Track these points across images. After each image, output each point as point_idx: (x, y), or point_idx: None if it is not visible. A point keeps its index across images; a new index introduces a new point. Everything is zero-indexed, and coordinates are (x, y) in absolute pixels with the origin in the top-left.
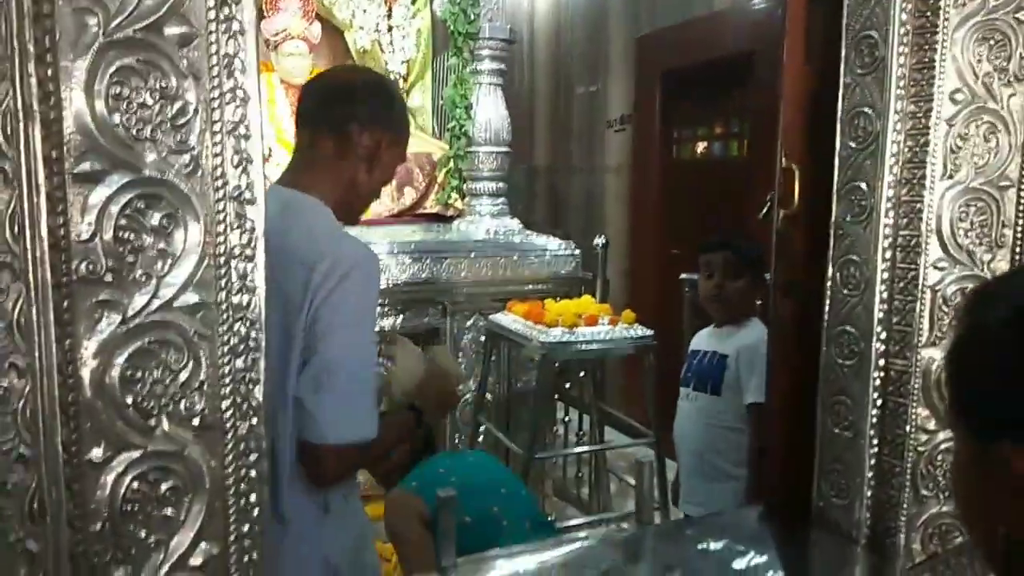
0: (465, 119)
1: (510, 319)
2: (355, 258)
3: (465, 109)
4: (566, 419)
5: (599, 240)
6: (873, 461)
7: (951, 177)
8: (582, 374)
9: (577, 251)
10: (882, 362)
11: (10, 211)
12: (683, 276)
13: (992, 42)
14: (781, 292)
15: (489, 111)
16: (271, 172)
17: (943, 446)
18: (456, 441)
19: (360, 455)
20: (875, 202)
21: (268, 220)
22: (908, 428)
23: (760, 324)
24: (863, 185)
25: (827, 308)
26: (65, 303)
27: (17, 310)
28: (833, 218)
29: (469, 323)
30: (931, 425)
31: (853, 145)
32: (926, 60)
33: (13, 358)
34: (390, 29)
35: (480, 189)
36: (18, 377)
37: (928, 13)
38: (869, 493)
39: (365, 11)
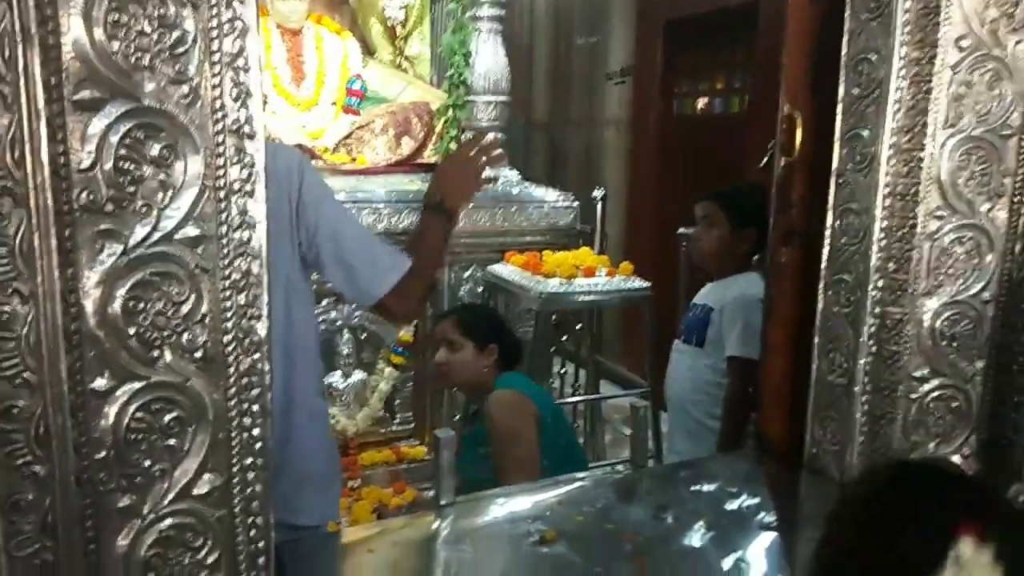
0: (464, 67)
1: (508, 270)
2: (296, 155)
3: (464, 56)
4: (562, 371)
5: (597, 192)
6: (866, 407)
7: (953, 126)
8: (579, 327)
9: (576, 203)
10: (877, 310)
11: (10, 136)
12: (681, 230)
13: None
14: (780, 241)
15: (488, 59)
16: (268, 121)
17: (935, 393)
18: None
19: (415, 280)
20: (876, 150)
21: None
22: (901, 375)
23: (755, 278)
24: (865, 133)
25: (825, 256)
26: (67, 232)
27: (19, 236)
28: (834, 166)
29: (467, 274)
30: (924, 372)
31: (856, 92)
32: (932, 5)
33: (16, 284)
34: None
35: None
36: (22, 303)
37: None
38: (861, 439)
39: None
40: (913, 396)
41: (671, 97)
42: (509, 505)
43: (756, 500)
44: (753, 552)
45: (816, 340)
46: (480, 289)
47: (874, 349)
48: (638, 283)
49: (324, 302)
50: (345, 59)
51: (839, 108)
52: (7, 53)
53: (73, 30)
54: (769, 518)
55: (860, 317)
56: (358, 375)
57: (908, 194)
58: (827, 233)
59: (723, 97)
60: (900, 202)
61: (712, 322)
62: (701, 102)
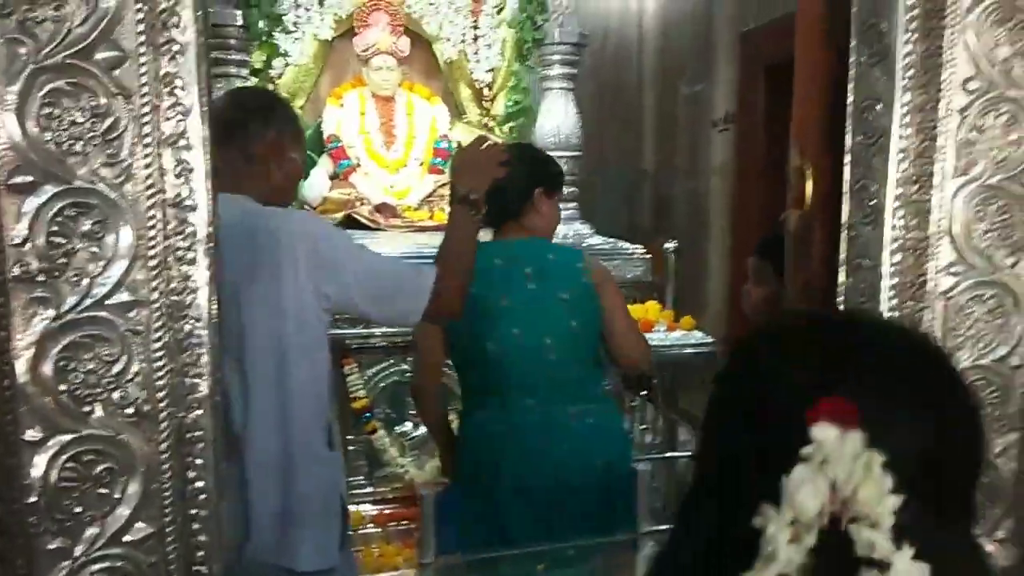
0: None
1: None
2: (302, 216)
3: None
4: (643, 427)
5: (669, 244)
6: None
7: (965, 174)
8: (653, 380)
9: (648, 255)
10: None
11: None
12: None
13: (1012, 23)
14: (798, 297)
15: (558, 116)
16: (359, 182)
17: None
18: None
19: (447, 282)
20: (882, 202)
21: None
22: None
23: None
24: (872, 184)
25: None
26: (0, 300)
27: None
28: (844, 219)
29: None
30: None
31: (862, 140)
32: (935, 47)
33: None
34: (475, 39)
35: None
36: None
37: None
38: None
39: (452, 22)
40: None
41: (775, 143)
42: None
43: None
44: None
45: None
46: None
47: None
48: (699, 338)
49: (392, 358)
50: (433, 122)
51: (847, 158)
52: None
53: (7, 125)
54: None
55: None
56: None
57: (918, 248)
58: (840, 290)
59: None
60: (911, 257)
61: None
62: None
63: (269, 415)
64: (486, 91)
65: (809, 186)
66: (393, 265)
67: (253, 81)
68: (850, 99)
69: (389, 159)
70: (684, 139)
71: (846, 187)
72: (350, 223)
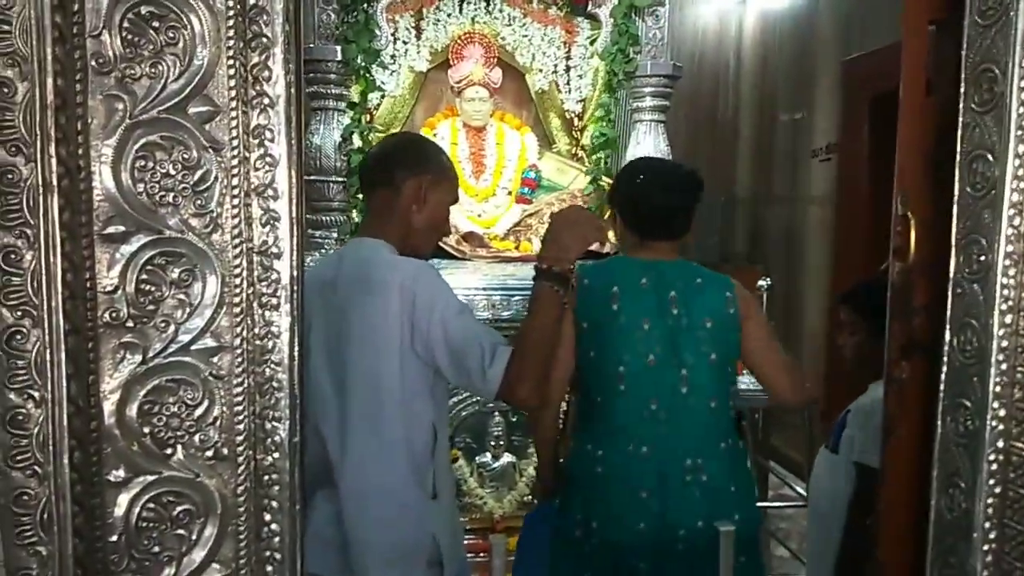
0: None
1: None
2: (414, 268)
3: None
4: None
5: (763, 283)
6: (989, 558)
7: None
8: (744, 422)
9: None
10: (1000, 443)
11: (31, 269)
12: None
13: None
14: (899, 354)
15: (648, 147)
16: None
17: None
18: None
19: (526, 362)
20: (993, 258)
21: (343, 260)
22: None
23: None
24: (982, 239)
25: (943, 376)
26: (89, 345)
27: (35, 350)
28: (952, 274)
29: None
30: None
31: (971, 192)
32: None
33: (31, 391)
34: (568, 70)
35: None
36: (35, 406)
37: None
38: None
39: (545, 53)
40: None
41: (880, 174)
42: None
43: None
44: None
45: (935, 472)
46: None
47: (997, 490)
48: None
49: None
50: (523, 152)
51: (955, 210)
52: (31, 203)
53: (103, 177)
54: None
55: (980, 450)
56: (507, 458)
57: None
58: (945, 349)
59: None
60: (1022, 319)
61: (847, 425)
62: None
63: (365, 459)
64: (576, 121)
65: (913, 237)
66: (478, 337)
67: (350, 114)
68: (959, 148)
69: (478, 188)
70: (783, 168)
71: (953, 240)
72: (436, 252)
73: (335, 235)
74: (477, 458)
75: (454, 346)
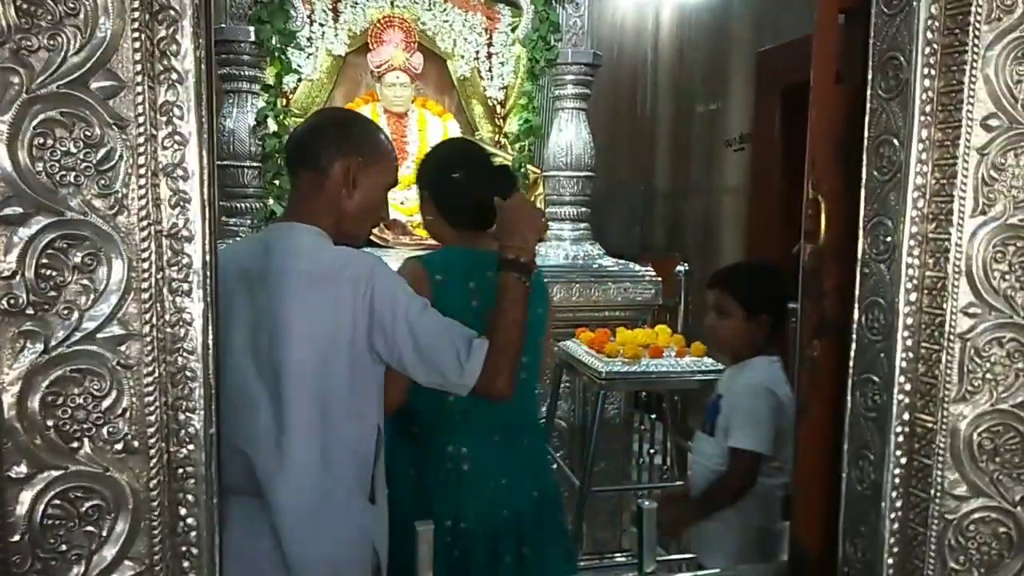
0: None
1: (577, 347)
2: (367, 262)
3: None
4: (651, 450)
5: (680, 268)
6: (896, 526)
7: (984, 213)
8: (664, 405)
9: (658, 279)
10: (906, 416)
11: None
12: (791, 305)
13: None
14: (811, 333)
15: (570, 135)
16: None
17: (975, 515)
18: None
19: (502, 356)
20: (899, 239)
21: (271, 251)
22: (933, 492)
23: (763, 364)
24: (888, 220)
25: (852, 353)
26: None
27: None
28: (859, 255)
29: None
30: (961, 491)
31: (878, 176)
32: (954, 83)
33: None
34: (489, 56)
35: (561, 214)
36: None
37: (957, 31)
38: (890, 560)
39: (466, 40)
40: (950, 517)
41: (791, 163)
42: None
43: None
44: None
45: (845, 446)
46: (555, 364)
47: (903, 461)
48: (709, 365)
49: None
50: (445, 138)
51: (862, 193)
52: None
53: None
54: None
55: (887, 423)
56: None
57: (935, 288)
58: (854, 327)
59: None
60: (927, 296)
61: (720, 409)
62: None
63: (306, 462)
64: (499, 108)
65: (823, 220)
66: (448, 333)
67: (265, 97)
68: (866, 134)
69: (400, 175)
70: (698, 159)
71: (861, 223)
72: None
73: (249, 222)
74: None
75: (423, 343)
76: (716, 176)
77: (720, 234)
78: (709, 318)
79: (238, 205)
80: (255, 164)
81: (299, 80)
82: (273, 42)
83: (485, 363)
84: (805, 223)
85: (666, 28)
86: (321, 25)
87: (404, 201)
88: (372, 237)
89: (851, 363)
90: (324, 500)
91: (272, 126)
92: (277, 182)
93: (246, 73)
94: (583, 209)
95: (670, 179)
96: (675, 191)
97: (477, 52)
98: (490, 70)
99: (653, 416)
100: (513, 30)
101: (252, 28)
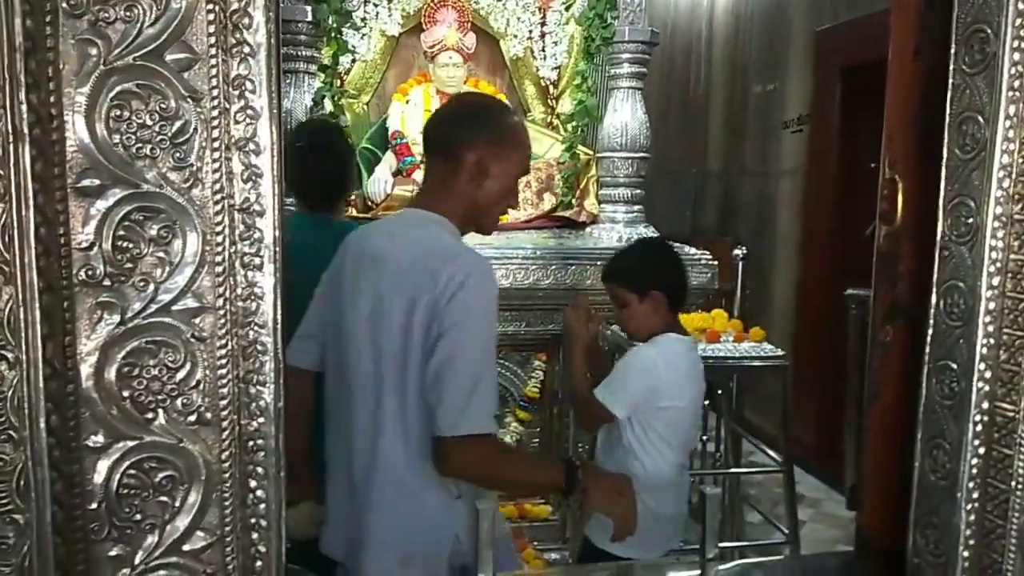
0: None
1: None
2: (471, 266)
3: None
4: (703, 437)
5: (738, 251)
6: (972, 517)
7: None
8: (719, 392)
9: (714, 262)
10: (985, 404)
11: (2, 223)
12: (849, 291)
13: None
14: (883, 318)
15: (626, 115)
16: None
17: None
18: (580, 448)
19: (480, 457)
20: (982, 220)
21: (394, 236)
22: (1014, 483)
23: (665, 340)
24: (970, 200)
25: (929, 339)
26: (65, 304)
27: (8, 309)
28: (938, 237)
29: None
30: None
31: (960, 155)
32: None
33: (4, 351)
34: (543, 36)
35: (615, 196)
36: (8, 368)
37: None
38: (966, 554)
39: (519, 19)
40: None
41: (851, 146)
42: None
43: None
44: None
45: (919, 434)
46: (607, 349)
47: (982, 450)
48: (769, 351)
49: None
50: None
51: (943, 172)
52: (2, 154)
53: (76, 127)
54: None
55: (965, 411)
56: None
57: (1020, 272)
58: (931, 312)
59: None
60: (1011, 280)
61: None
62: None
63: (392, 454)
64: (552, 89)
65: (900, 200)
66: (477, 377)
67: (321, 77)
68: (948, 111)
69: None
70: (753, 140)
71: (941, 203)
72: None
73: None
74: None
75: (447, 374)
76: (772, 158)
77: (775, 217)
78: (615, 312)
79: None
80: None
81: (353, 61)
82: (330, 22)
83: (469, 452)
84: (880, 204)
85: (721, 5)
86: (375, 5)
87: None
88: None
89: (927, 349)
90: (403, 488)
91: (328, 106)
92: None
93: (303, 53)
94: (637, 191)
95: (723, 161)
96: (728, 173)
97: (530, 31)
98: (543, 49)
99: (706, 402)
100: (567, 8)
101: (309, 8)
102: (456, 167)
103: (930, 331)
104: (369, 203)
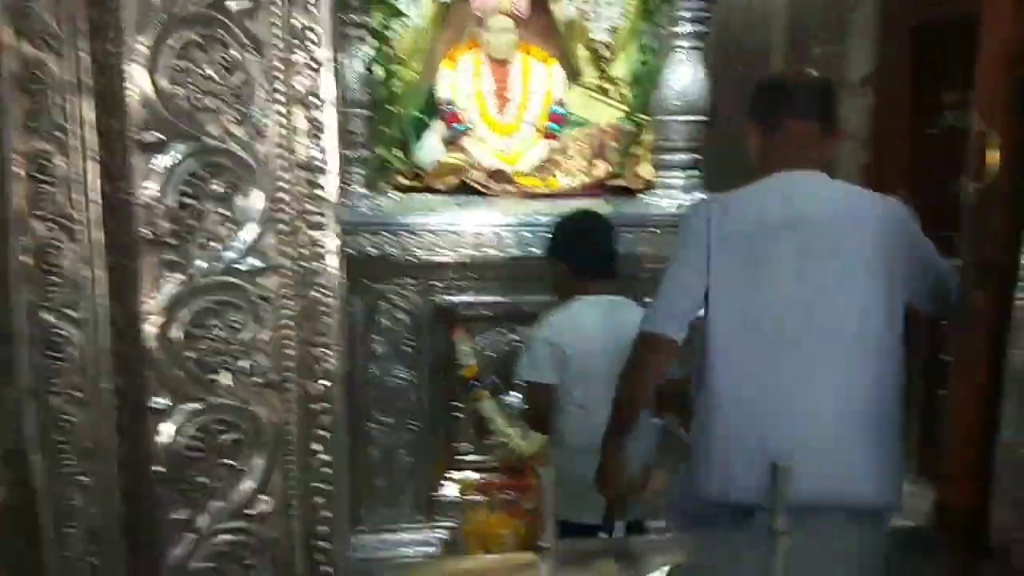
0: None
1: None
2: (897, 204)
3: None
4: None
5: None
6: None
7: None
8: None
9: None
10: None
11: (64, 178)
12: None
13: None
14: (974, 282)
15: (685, 78)
16: (471, 146)
17: None
18: None
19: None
20: None
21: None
22: None
23: (570, 305)
24: None
25: (1020, 303)
26: (128, 263)
27: (72, 268)
28: None
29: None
30: None
31: None
32: None
33: (68, 311)
34: None
35: (673, 161)
36: (74, 327)
37: None
38: None
39: None
40: None
41: (919, 110)
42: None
43: None
44: None
45: (1004, 401)
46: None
47: None
48: None
49: (501, 327)
50: (550, 85)
51: None
52: (65, 106)
53: (137, 80)
54: None
55: None
56: None
57: None
58: (1021, 274)
59: None
60: None
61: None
62: (952, 116)
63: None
64: (605, 52)
65: (991, 156)
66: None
67: (372, 43)
68: None
69: (502, 123)
70: None
71: None
72: (463, 188)
73: (358, 171)
74: (504, 397)
75: (937, 276)
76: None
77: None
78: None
79: (346, 153)
80: (364, 111)
81: (404, 26)
82: None
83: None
84: (972, 160)
85: None
86: None
87: (504, 149)
88: (477, 186)
89: (1015, 313)
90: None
91: (380, 73)
92: (387, 129)
93: (353, 18)
94: (696, 156)
95: None
96: None
97: None
98: (596, 11)
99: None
100: None
101: None
102: (832, 130)
103: (1021, 295)
104: (418, 171)
